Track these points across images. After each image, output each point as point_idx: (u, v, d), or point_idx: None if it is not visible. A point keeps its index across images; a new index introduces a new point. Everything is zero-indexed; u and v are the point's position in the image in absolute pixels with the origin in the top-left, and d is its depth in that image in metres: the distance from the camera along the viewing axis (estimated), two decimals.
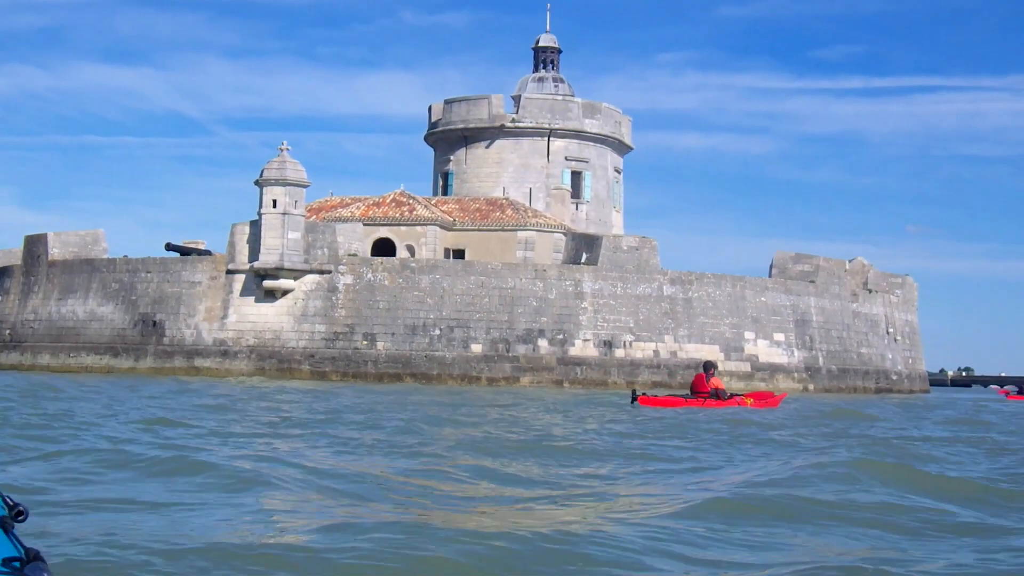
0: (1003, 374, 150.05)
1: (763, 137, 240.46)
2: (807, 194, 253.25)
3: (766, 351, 59.62)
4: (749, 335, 59.28)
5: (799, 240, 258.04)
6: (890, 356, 67.05)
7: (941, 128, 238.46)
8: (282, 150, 55.74)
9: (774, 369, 59.40)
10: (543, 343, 55.68)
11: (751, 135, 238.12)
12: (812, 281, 62.70)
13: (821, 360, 61.79)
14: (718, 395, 33.50)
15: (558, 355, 55.67)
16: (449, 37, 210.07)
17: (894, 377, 67.01)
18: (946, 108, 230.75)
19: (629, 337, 56.71)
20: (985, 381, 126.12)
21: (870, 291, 66.50)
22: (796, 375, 60.17)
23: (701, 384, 34.08)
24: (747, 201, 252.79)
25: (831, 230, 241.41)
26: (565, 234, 63.75)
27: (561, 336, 55.88)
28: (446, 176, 76.51)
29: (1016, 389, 77.54)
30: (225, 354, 55.21)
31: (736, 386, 56.26)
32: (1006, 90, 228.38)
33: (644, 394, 34.89)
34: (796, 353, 60.57)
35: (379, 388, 44.94)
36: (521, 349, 55.49)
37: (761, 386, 57.51)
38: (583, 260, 58.70)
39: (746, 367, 58.65)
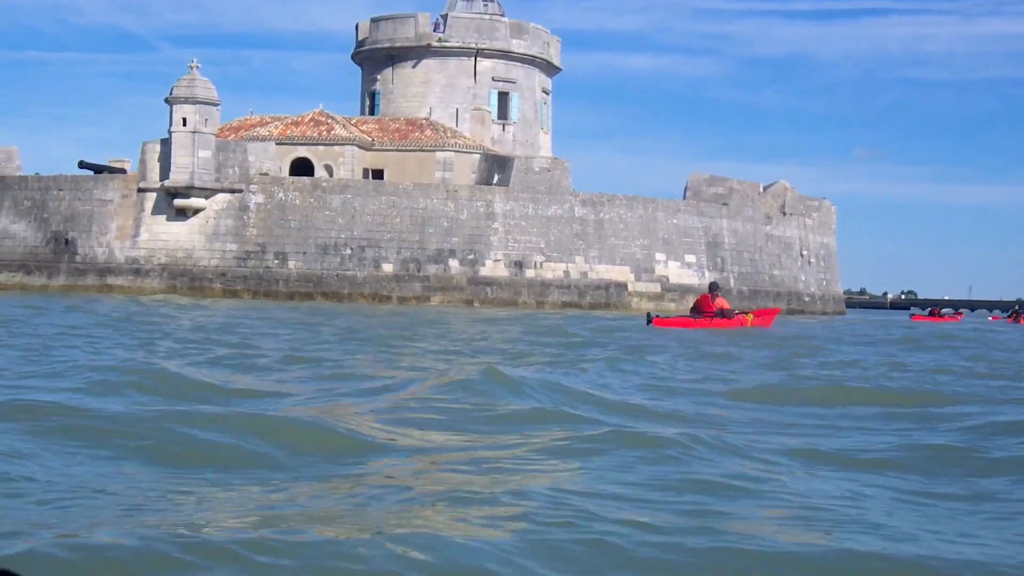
0: (946, 297, 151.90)
1: (709, 59, 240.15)
2: (751, 116, 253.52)
3: (677, 272, 60.37)
4: (660, 256, 59.97)
5: (741, 163, 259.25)
6: (803, 278, 67.94)
7: (889, 52, 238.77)
8: (192, 67, 55.71)
9: (684, 290, 60.13)
10: (454, 263, 56.22)
11: (698, 57, 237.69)
12: (725, 204, 63.35)
13: (732, 281, 62.58)
14: (724, 314, 35.23)
15: (468, 275, 56.23)
16: None
17: (806, 299, 67.98)
18: (895, 32, 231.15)
19: (540, 258, 57.29)
20: (924, 304, 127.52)
21: (785, 214, 67.21)
22: None
23: (707, 304, 35.81)
24: (691, 123, 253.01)
25: (775, 152, 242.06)
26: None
27: (472, 256, 56.41)
28: (373, 96, 76.39)
29: (928, 311, 79.02)
30: (137, 272, 55.52)
31: (647, 306, 57.20)
32: (955, 13, 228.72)
33: (657, 316, 36.33)
34: (707, 274, 61.27)
35: (289, 306, 45.42)
36: (432, 269, 56.01)
37: (671, 307, 58.40)
38: (495, 181, 59.11)
39: (656, 288, 59.41)
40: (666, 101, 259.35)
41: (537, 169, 58.50)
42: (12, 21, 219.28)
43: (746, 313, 38.14)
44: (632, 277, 58.81)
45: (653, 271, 59.66)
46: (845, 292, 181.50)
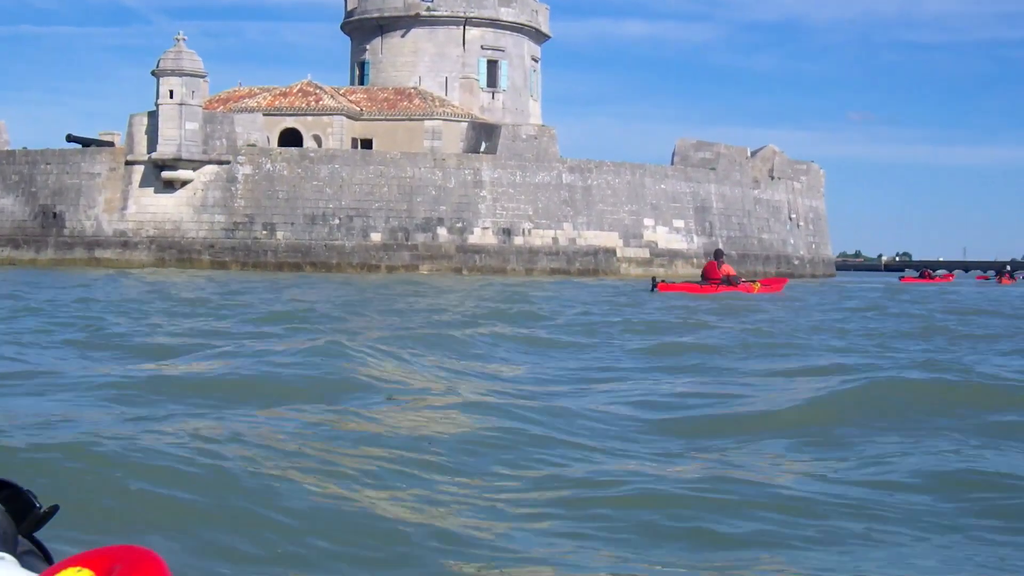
0: (940, 258, 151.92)
1: (704, 24, 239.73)
2: (746, 81, 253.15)
3: (665, 237, 60.54)
4: (648, 222, 60.13)
5: (735, 127, 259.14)
6: (792, 242, 68.12)
7: (883, 14, 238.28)
8: (178, 40, 55.70)
9: (673, 255, 60.38)
10: (442, 231, 56.35)
11: (692, 22, 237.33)
12: (713, 168, 63.45)
13: (721, 245, 62.64)
14: (730, 280, 35.56)
15: (457, 243, 56.37)
16: None
17: (796, 262, 68.18)
18: None
19: (528, 225, 57.43)
20: (919, 266, 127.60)
21: (773, 178, 67.30)
22: (695, 260, 61.05)
23: (713, 271, 36.17)
24: (685, 88, 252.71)
25: (770, 116, 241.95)
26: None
27: (460, 224, 56.54)
28: (363, 66, 76.29)
29: (917, 273, 79.27)
30: (125, 245, 55.64)
31: (635, 272, 57.45)
32: None
33: (663, 281, 36.76)
34: (695, 239, 61.50)
35: (281, 276, 45.63)
36: (420, 238, 56.14)
37: (660, 272, 58.58)
38: (483, 149, 59.19)
39: (645, 253, 59.60)
40: (660, 67, 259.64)
41: (524, 137, 58.58)
42: None
43: (753, 281, 38.39)
44: (620, 243, 58.98)
45: (642, 236, 59.82)
46: (840, 255, 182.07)
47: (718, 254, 37.62)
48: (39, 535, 1.96)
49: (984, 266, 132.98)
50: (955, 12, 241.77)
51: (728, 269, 36.67)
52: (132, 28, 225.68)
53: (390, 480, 6.12)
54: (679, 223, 61.15)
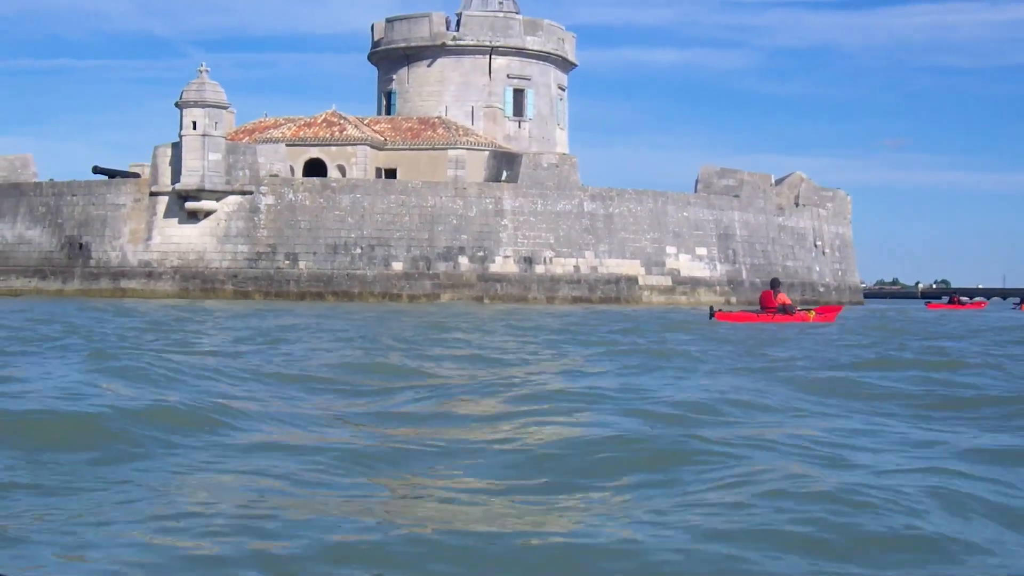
0: (980, 286, 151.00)
1: (737, 51, 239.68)
2: (777, 108, 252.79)
3: (688, 265, 60.47)
4: (671, 250, 60.10)
5: (769, 155, 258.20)
6: (817, 269, 67.89)
7: (915, 40, 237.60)
8: (201, 72, 56.27)
9: (696, 283, 60.31)
10: (463, 260, 56.54)
11: (726, 49, 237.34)
12: (736, 196, 63.36)
13: (744, 273, 62.65)
14: (786, 310, 35.93)
15: (478, 272, 56.54)
16: None
17: (821, 289, 67.92)
18: (921, 20, 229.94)
19: (549, 253, 57.54)
20: (951, 293, 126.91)
21: (798, 205, 67.13)
22: (718, 288, 61.07)
23: (769, 300, 36.47)
24: (715, 116, 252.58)
25: (803, 143, 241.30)
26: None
27: (481, 253, 56.72)
28: (389, 96, 76.84)
29: (948, 300, 78.79)
30: (150, 275, 56.12)
31: (658, 300, 57.41)
32: (980, 0, 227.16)
33: (720, 310, 36.89)
34: (719, 267, 61.40)
35: (301, 306, 45.89)
36: (442, 266, 56.35)
37: (682, 300, 58.63)
38: (504, 178, 59.39)
39: (667, 281, 59.56)
40: (691, 94, 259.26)
41: (545, 165, 58.72)
42: (43, 30, 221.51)
43: (808, 310, 38.64)
44: (643, 271, 58.98)
45: (664, 264, 59.78)
46: (877, 283, 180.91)
47: (775, 283, 38.00)
48: None
49: (1022, 293, 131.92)
50: (988, 37, 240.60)
51: (784, 298, 37.11)
52: (164, 61, 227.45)
53: None
54: (702, 251, 61.08)
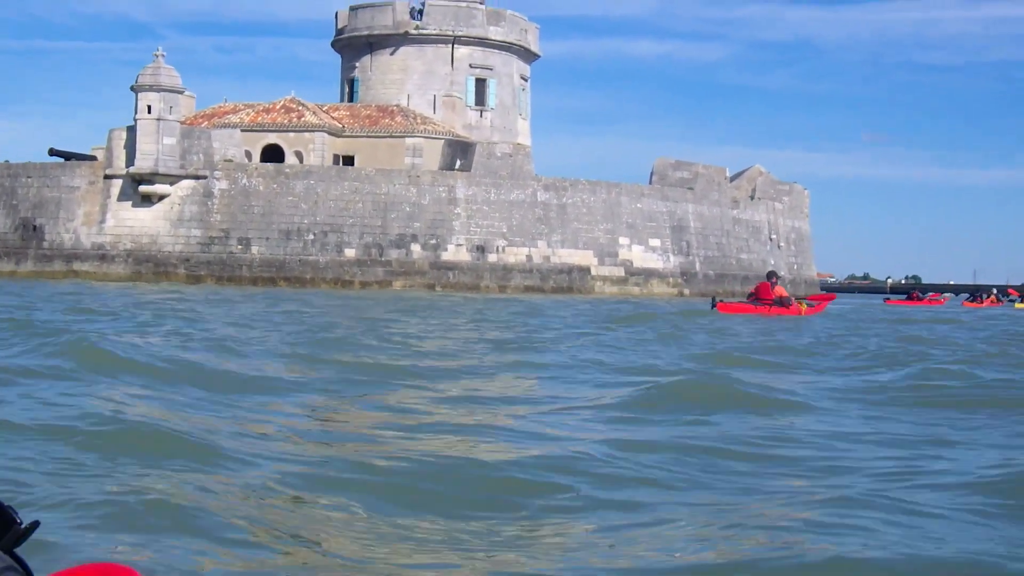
0: (951, 281, 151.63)
1: (716, 43, 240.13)
2: (754, 101, 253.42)
3: (641, 256, 60.82)
4: (624, 241, 60.43)
5: (741, 146, 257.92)
6: (772, 262, 68.24)
7: (895, 35, 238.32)
8: (157, 56, 56.34)
9: (648, 274, 60.67)
10: (416, 248, 56.78)
11: (705, 41, 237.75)
12: (691, 188, 63.73)
13: (698, 265, 63.04)
14: (782, 302, 36.32)
15: (431, 259, 56.79)
16: None
17: None
18: (901, 16, 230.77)
19: (502, 242, 57.81)
20: (924, 289, 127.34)
21: (753, 198, 67.55)
22: (671, 280, 61.46)
23: (766, 292, 36.80)
24: (695, 106, 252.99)
25: (781, 136, 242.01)
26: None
27: (434, 241, 56.96)
28: (352, 83, 76.93)
29: (907, 295, 79.31)
30: (103, 258, 56.21)
31: (610, 290, 57.79)
32: None
33: (722, 301, 38.11)
34: (672, 259, 61.78)
35: (255, 291, 46.15)
36: (394, 254, 56.57)
37: (635, 291, 59.02)
38: (457, 167, 59.66)
39: (620, 272, 59.89)
40: (667, 86, 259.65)
41: (499, 154, 58.99)
42: (22, 10, 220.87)
43: (801, 302, 39.24)
44: (595, 261, 59.32)
45: (617, 255, 60.12)
46: (848, 277, 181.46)
47: (770, 275, 38.38)
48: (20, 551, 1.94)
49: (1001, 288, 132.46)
50: (969, 33, 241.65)
51: (781, 291, 37.71)
52: (144, 43, 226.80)
53: None
54: (655, 242, 61.43)
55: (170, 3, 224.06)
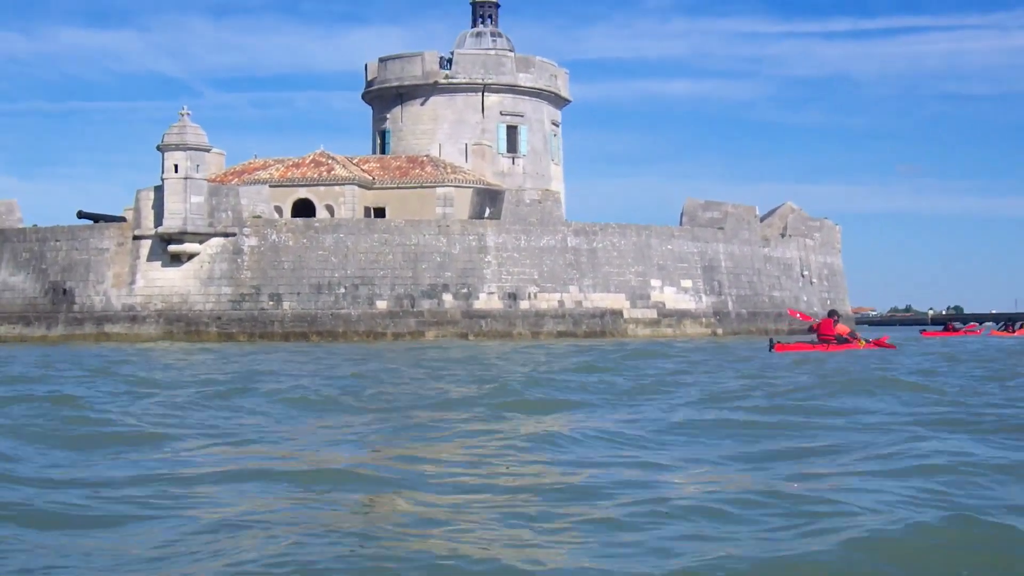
0: (992, 311, 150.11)
1: (749, 81, 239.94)
2: (793, 137, 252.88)
3: (673, 297, 60.43)
4: (655, 283, 60.08)
5: (782, 183, 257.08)
6: (804, 298, 67.66)
7: (928, 67, 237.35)
8: (182, 115, 56.60)
9: (681, 315, 60.24)
10: (447, 297, 56.59)
11: (737, 80, 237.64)
12: (721, 228, 63.33)
13: (730, 304, 62.55)
14: (842, 340, 37.09)
15: (463, 308, 56.56)
16: None
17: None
18: (933, 48, 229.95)
19: (534, 288, 57.56)
20: (965, 319, 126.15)
21: (784, 236, 67.07)
22: (704, 320, 61.00)
23: (828, 328, 37.54)
24: (731, 145, 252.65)
25: (816, 171, 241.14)
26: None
27: (465, 290, 56.77)
28: (383, 134, 77.24)
29: (943, 326, 78.65)
30: (134, 319, 56.28)
31: (643, 332, 57.40)
32: (992, 27, 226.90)
33: (779, 342, 38.18)
34: (704, 299, 61.33)
35: (289, 347, 45.94)
36: (426, 304, 56.39)
37: (668, 332, 58.64)
38: (487, 215, 59.55)
39: (653, 314, 59.49)
40: (702, 125, 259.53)
41: (528, 201, 58.83)
42: (57, 69, 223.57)
43: (859, 339, 39.46)
44: (628, 304, 58.98)
45: (649, 297, 59.75)
46: (891, 310, 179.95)
47: (833, 313, 39.37)
48: None
49: None
50: (1001, 63, 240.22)
51: (843, 328, 38.34)
52: (180, 101, 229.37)
53: None
54: (687, 283, 61.03)
55: (203, 59, 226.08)
